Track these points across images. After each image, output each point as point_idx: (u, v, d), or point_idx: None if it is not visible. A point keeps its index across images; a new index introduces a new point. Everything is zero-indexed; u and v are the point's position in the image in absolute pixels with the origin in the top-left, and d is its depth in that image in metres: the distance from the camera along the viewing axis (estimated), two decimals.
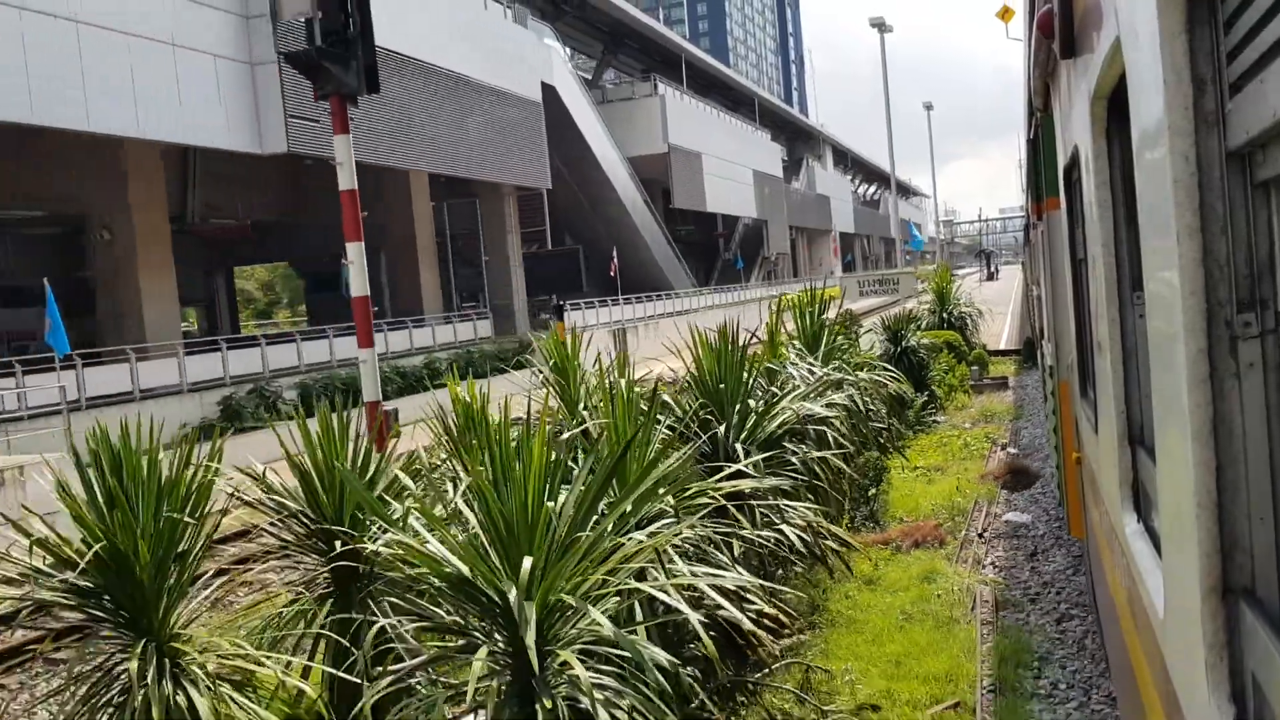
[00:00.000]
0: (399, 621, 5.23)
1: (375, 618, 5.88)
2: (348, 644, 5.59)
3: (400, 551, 5.12)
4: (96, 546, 5.19)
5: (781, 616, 6.42)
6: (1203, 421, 1.64)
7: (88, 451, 5.64)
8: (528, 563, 4.54)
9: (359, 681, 5.58)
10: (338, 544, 6.62)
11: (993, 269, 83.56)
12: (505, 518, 4.65)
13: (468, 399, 7.65)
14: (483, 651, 4.36)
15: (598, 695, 4.28)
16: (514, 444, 4.89)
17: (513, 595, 4.46)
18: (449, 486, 5.75)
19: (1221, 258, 1.62)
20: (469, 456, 5.11)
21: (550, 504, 4.81)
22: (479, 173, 30.90)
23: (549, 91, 34.59)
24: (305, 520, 5.90)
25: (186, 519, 5.63)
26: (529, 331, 36.27)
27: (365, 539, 6.43)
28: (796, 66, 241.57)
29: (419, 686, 4.91)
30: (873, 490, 11.00)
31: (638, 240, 43.85)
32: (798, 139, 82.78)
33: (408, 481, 5.87)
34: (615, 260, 38.73)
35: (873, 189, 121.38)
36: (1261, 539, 1.61)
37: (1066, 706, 6.19)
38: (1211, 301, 1.63)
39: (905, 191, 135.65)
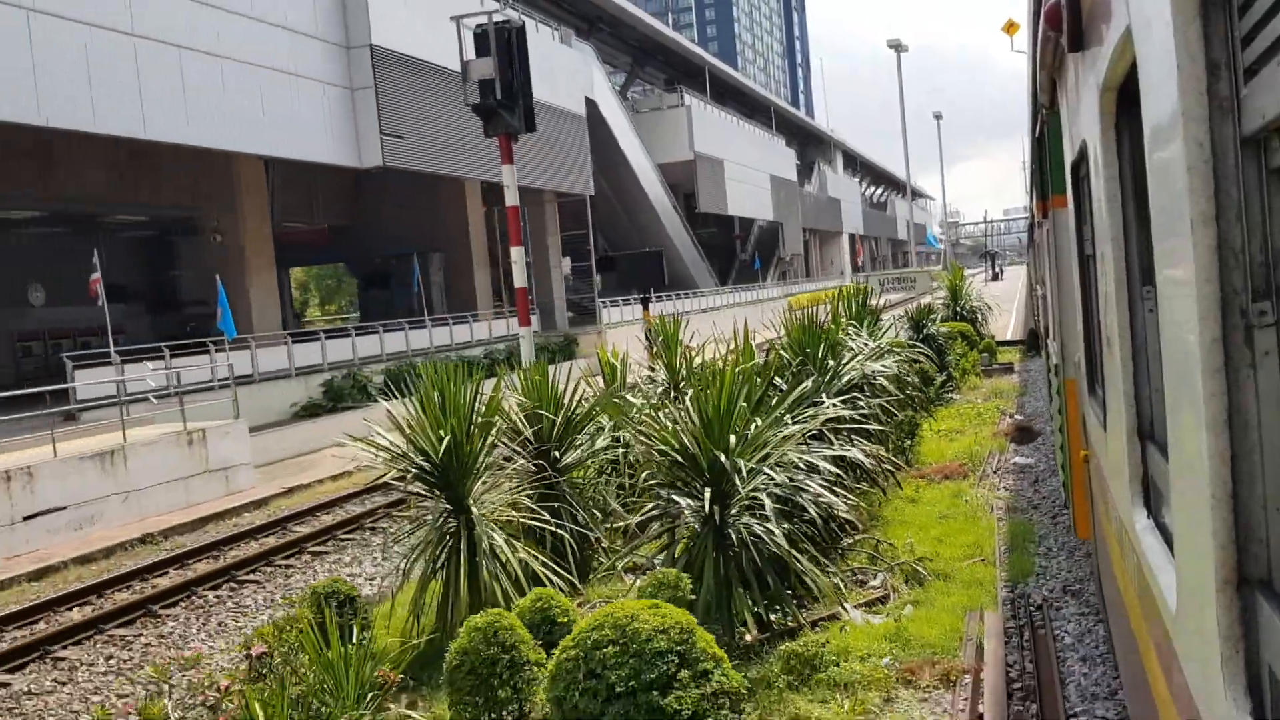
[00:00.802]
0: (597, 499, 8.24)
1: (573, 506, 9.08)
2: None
3: (642, 438, 8.17)
4: (445, 441, 8.24)
5: (859, 510, 9.51)
6: (1217, 411, 1.61)
7: (422, 388, 8.72)
8: (733, 439, 7.57)
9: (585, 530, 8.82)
10: (554, 454, 9.75)
11: (997, 269, 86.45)
12: (715, 411, 7.64)
13: (615, 360, 10.93)
14: (706, 493, 7.37)
15: (769, 527, 7.36)
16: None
17: (724, 459, 7.48)
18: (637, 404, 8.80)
19: (1236, 245, 1.58)
20: (689, 380, 8.14)
21: (743, 404, 7.82)
22: (531, 181, 33.89)
23: (591, 106, 37.59)
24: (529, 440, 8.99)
25: (477, 429, 8.71)
26: (567, 327, 39.31)
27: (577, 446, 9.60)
28: (803, 70, 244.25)
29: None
30: (908, 442, 13.97)
31: (667, 243, 46.88)
32: (809, 143, 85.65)
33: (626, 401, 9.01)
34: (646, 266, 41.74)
35: (880, 191, 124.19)
36: (1277, 530, 1.58)
37: (1056, 560, 9.17)
38: (1226, 290, 1.59)
39: (913, 194, 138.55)
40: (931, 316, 21.82)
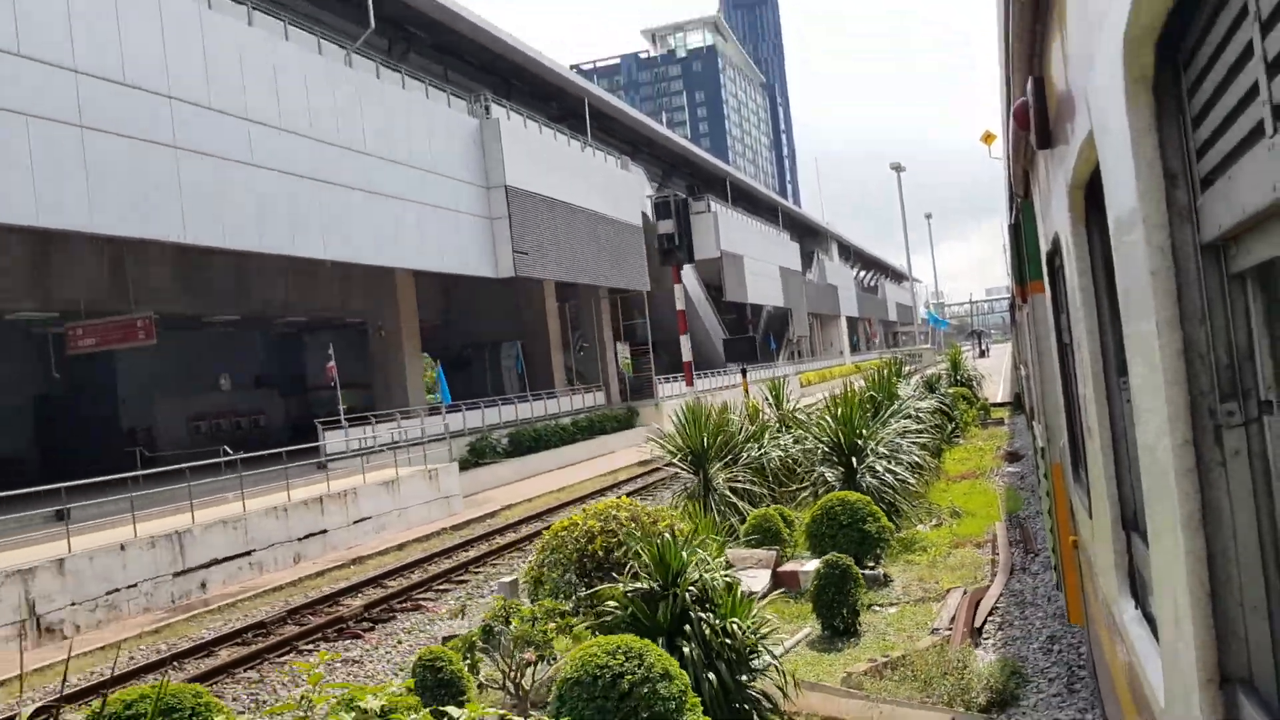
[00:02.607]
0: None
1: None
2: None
3: (810, 436, 15.31)
4: (695, 437, 15.32)
5: (921, 483, 16.61)
6: (1192, 510, 1.63)
7: (680, 415, 15.77)
8: (860, 430, 14.78)
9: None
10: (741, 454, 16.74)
11: (984, 347, 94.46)
12: (848, 416, 14.82)
13: (767, 399, 18.13)
14: (852, 460, 14.55)
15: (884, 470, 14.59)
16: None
17: (858, 440, 14.66)
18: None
19: (1202, 347, 1.61)
20: (834, 406, 15.24)
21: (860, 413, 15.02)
22: (602, 282, 41.37)
23: (644, 217, 45.35)
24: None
25: (717, 432, 15.76)
26: (626, 402, 46.30)
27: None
28: (790, 161, 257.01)
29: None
30: (936, 461, 21.03)
31: (699, 327, 54.31)
32: (808, 235, 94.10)
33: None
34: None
35: (870, 275, 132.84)
36: (1256, 628, 1.59)
37: (1034, 507, 16.16)
38: (1194, 391, 1.62)
39: (899, 277, 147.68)
40: (940, 382, 29.09)
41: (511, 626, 8.51)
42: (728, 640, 7.57)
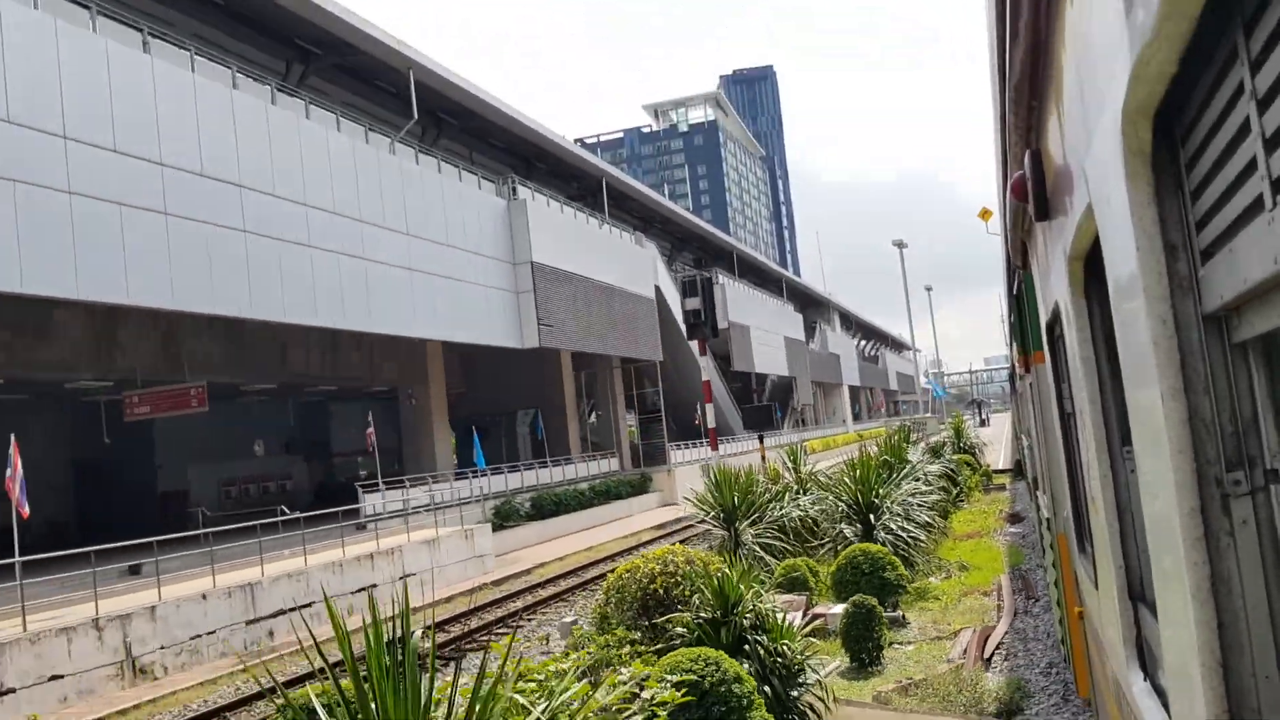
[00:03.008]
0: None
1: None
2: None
3: (829, 496, 16.93)
4: (728, 496, 16.93)
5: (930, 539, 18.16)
6: (1201, 580, 1.62)
7: (712, 476, 17.39)
8: (876, 489, 16.41)
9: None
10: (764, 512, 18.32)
11: (984, 416, 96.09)
12: (866, 476, 16.46)
13: (787, 465, 19.73)
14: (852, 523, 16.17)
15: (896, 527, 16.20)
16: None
17: (874, 498, 16.28)
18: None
19: (1207, 416, 1.62)
20: (852, 469, 16.83)
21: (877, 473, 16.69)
22: (615, 351, 43.16)
23: (657, 290, 47.39)
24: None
25: (746, 492, 17.37)
26: (639, 468, 47.74)
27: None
28: (789, 230, 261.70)
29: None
30: (944, 521, 22.56)
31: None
32: (810, 305, 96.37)
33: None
34: (699, 413, 50.82)
35: (871, 345, 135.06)
36: (1269, 698, 1.58)
37: (1034, 560, 17.65)
38: (1200, 460, 1.62)
39: (899, 346, 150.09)
40: (945, 449, 30.69)
41: (588, 653, 10.04)
42: (779, 659, 9.10)
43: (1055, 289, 3.60)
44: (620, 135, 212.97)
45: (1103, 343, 2.84)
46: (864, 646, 11.49)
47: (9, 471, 14.77)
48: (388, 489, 28.10)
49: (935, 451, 29.43)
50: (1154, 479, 1.85)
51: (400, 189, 28.87)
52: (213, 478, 38.73)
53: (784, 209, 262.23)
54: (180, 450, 37.11)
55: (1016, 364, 11.13)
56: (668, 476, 44.57)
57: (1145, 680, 2.76)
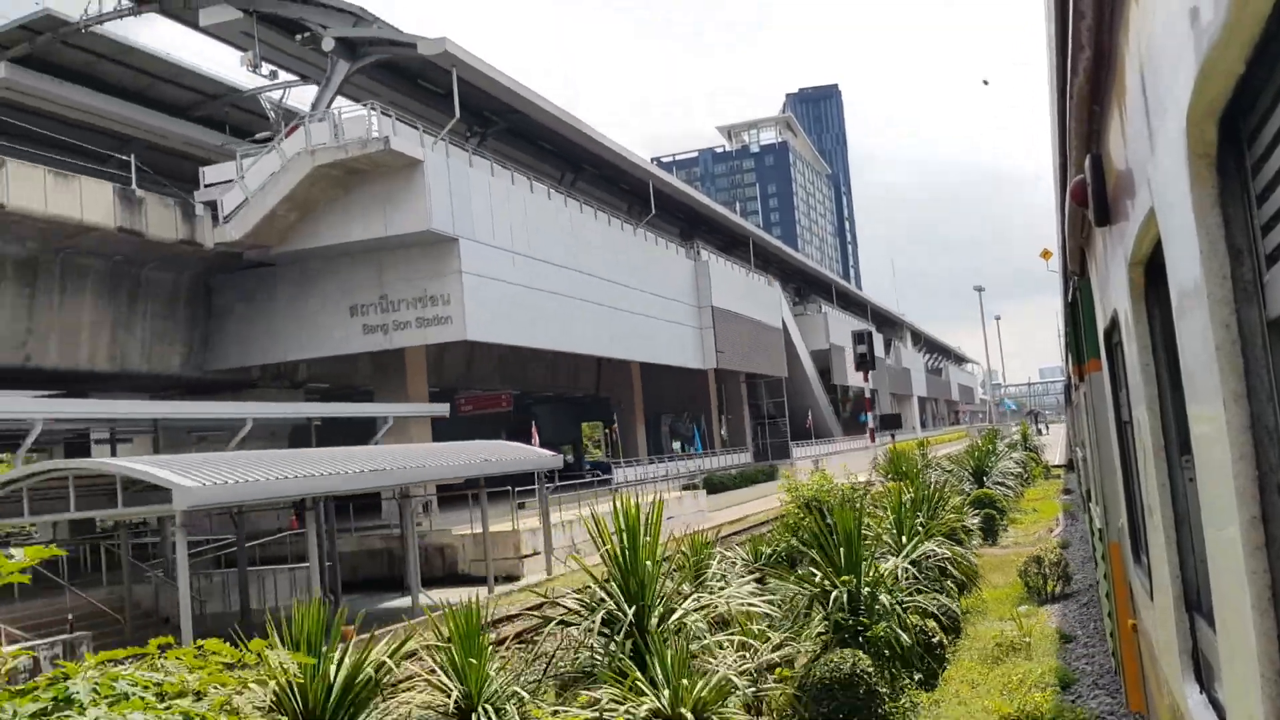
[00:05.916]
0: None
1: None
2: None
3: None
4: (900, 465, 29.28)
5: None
6: (1261, 589, 1.60)
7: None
8: (987, 466, 28.73)
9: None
10: None
11: (1039, 427, 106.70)
12: (980, 457, 28.76)
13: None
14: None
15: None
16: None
17: (985, 469, 28.61)
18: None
19: (1270, 423, 1.60)
20: (971, 452, 28.82)
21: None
22: (753, 369, 55.55)
23: (783, 321, 59.84)
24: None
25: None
26: (768, 460, 59.99)
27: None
28: (852, 245, 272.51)
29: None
30: (1022, 488, 34.50)
31: (814, 405, 68.19)
32: (885, 324, 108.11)
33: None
34: (810, 420, 63.18)
35: (934, 358, 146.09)
36: None
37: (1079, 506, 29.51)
38: (1263, 467, 1.60)
39: (959, 360, 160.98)
40: (1017, 446, 42.68)
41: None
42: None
43: (1114, 295, 3.59)
44: (695, 155, 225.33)
45: (1162, 350, 2.81)
46: (990, 529, 23.64)
47: (533, 441, 27.55)
48: (626, 466, 40.74)
49: (1011, 447, 41.24)
50: (1214, 486, 1.82)
51: (626, 255, 41.60)
52: None
53: (847, 225, 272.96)
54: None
55: (1072, 373, 10.94)
56: (791, 468, 56.84)
57: (1201, 693, 2.73)
